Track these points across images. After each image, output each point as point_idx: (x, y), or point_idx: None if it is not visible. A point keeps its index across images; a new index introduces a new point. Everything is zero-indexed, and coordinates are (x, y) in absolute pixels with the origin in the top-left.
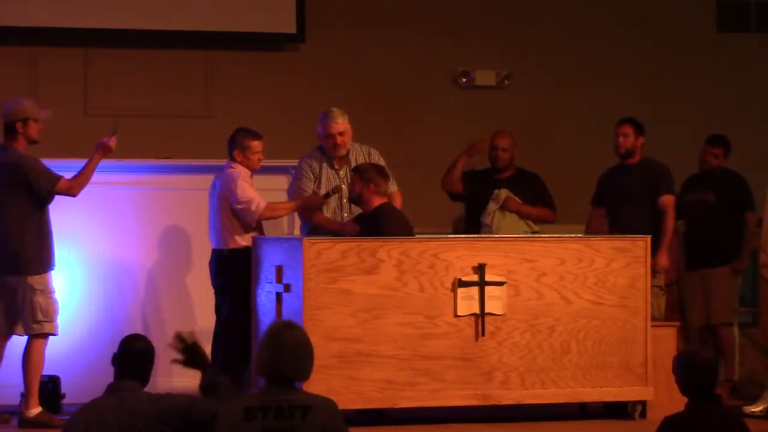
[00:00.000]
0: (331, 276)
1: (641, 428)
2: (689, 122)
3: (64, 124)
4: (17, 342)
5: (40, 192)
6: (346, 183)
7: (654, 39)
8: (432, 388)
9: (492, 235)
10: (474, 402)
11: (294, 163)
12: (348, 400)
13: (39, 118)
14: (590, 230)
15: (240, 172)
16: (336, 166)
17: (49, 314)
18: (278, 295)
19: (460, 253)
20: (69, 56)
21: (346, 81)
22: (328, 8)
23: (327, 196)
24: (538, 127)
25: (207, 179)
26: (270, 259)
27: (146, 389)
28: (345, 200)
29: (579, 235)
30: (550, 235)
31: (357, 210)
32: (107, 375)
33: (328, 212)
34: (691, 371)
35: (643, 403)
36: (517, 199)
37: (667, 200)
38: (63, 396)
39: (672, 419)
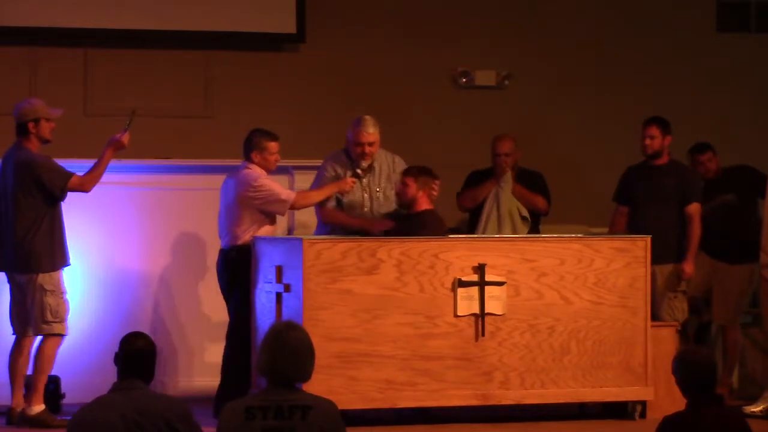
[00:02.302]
0: (331, 276)
1: (641, 428)
2: (689, 122)
3: (63, 125)
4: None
5: (53, 189)
6: (369, 192)
7: (654, 39)
8: (432, 388)
9: (492, 235)
10: (474, 402)
11: (294, 163)
12: (348, 400)
13: (50, 117)
14: (615, 229)
15: (260, 171)
16: (360, 174)
17: (59, 315)
18: (278, 295)
19: (460, 253)
20: (69, 56)
21: (346, 81)
22: (328, 8)
23: (355, 175)
24: (538, 127)
25: (207, 179)
26: (270, 259)
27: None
28: (378, 194)
29: (579, 235)
30: (550, 235)
31: (377, 210)
32: (107, 375)
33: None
34: (690, 370)
35: (643, 403)
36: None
37: (696, 208)
38: (63, 396)
39: (672, 419)
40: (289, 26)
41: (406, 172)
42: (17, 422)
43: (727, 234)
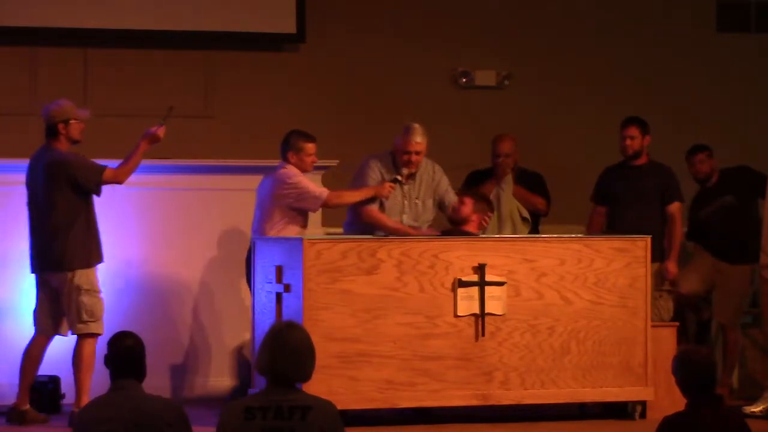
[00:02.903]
0: (331, 276)
1: (641, 428)
2: (689, 122)
3: None
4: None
5: (89, 185)
6: (409, 199)
7: (654, 39)
8: (432, 388)
9: (492, 236)
10: (474, 402)
11: None
12: (348, 401)
13: (80, 118)
14: (592, 228)
15: (297, 170)
16: (400, 180)
17: (96, 314)
18: (278, 295)
19: (460, 253)
20: (69, 56)
21: (345, 81)
22: (328, 8)
23: (395, 181)
24: (538, 127)
25: (207, 179)
26: (270, 259)
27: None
28: (416, 202)
29: (579, 235)
30: (550, 235)
31: (414, 218)
32: (107, 375)
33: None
34: (689, 370)
35: (643, 404)
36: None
37: (677, 207)
38: (63, 396)
39: (671, 419)
40: (289, 26)
41: (466, 193)
42: (17, 420)
43: (727, 235)
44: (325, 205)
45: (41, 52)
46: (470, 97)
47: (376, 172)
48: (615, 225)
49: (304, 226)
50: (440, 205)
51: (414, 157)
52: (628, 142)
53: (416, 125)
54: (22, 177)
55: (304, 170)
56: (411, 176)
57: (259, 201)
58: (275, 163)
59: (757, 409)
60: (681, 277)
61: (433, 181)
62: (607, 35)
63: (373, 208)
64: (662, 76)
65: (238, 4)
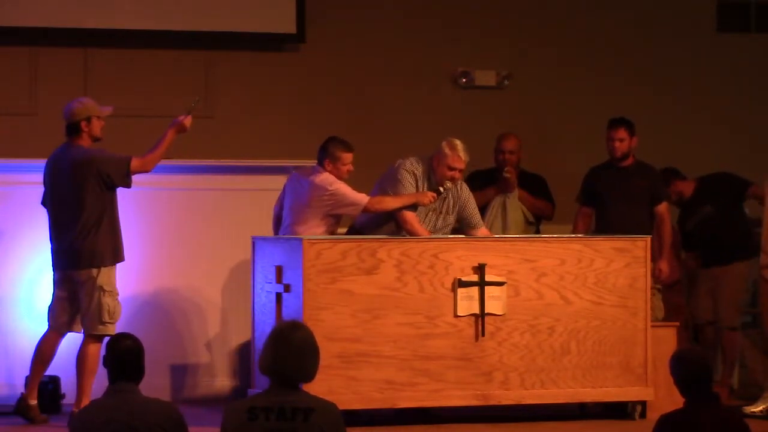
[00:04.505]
0: (331, 276)
1: (641, 428)
2: (689, 122)
3: (64, 124)
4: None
5: (118, 178)
6: (432, 211)
7: (654, 39)
8: (432, 388)
9: (492, 236)
10: (474, 402)
11: (294, 163)
12: (348, 400)
13: (102, 115)
14: (578, 229)
15: (334, 177)
16: (442, 192)
17: (115, 317)
18: (278, 295)
19: (460, 254)
20: (69, 56)
21: (346, 81)
22: (328, 8)
23: (438, 193)
24: (538, 127)
25: (206, 179)
26: (270, 259)
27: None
28: (438, 216)
29: (579, 235)
30: (550, 235)
31: (432, 230)
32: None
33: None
34: (685, 369)
35: (643, 404)
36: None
37: (665, 207)
38: (63, 396)
39: (668, 417)
40: (289, 26)
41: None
42: (22, 411)
43: (712, 243)
44: (365, 211)
45: (41, 52)
46: (470, 97)
47: (413, 178)
48: (603, 226)
49: (334, 229)
50: (459, 219)
51: (458, 174)
52: (617, 144)
53: (460, 142)
54: (22, 177)
55: (339, 178)
56: (446, 190)
57: (292, 203)
58: (273, 163)
59: (757, 409)
60: (690, 305)
61: (459, 199)
62: (607, 35)
63: (415, 216)
64: (662, 76)
65: (238, 4)
